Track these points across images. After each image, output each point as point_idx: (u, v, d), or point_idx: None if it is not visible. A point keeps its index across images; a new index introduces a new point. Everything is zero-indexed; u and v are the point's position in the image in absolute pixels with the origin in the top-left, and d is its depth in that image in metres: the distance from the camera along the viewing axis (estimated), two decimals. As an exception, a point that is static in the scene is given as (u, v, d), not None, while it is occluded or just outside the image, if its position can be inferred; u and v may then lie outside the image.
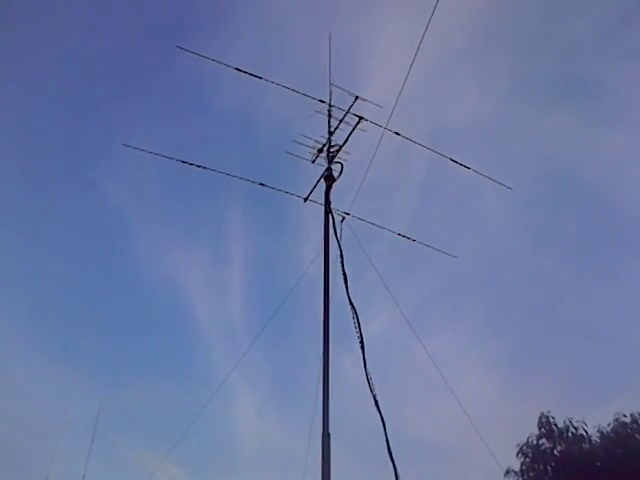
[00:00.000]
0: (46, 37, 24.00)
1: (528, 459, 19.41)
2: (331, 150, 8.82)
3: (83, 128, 24.97)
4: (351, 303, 7.35)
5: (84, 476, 10.45)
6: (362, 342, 7.06)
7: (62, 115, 25.35)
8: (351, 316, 7.31)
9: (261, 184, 8.75)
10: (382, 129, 8.60)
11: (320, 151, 8.86)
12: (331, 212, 8.29)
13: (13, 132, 23.27)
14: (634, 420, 18.89)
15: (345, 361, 9.23)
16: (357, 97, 8.83)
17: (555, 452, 19.26)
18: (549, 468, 19.06)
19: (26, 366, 21.88)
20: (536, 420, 19.83)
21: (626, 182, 29.23)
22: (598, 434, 19.38)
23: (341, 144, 8.81)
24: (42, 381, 21.55)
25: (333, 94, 9.06)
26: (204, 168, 8.58)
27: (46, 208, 25.42)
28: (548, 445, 19.44)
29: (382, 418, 6.54)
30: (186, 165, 8.54)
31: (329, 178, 8.62)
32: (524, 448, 19.57)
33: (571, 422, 19.53)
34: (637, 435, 18.61)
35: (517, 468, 19.44)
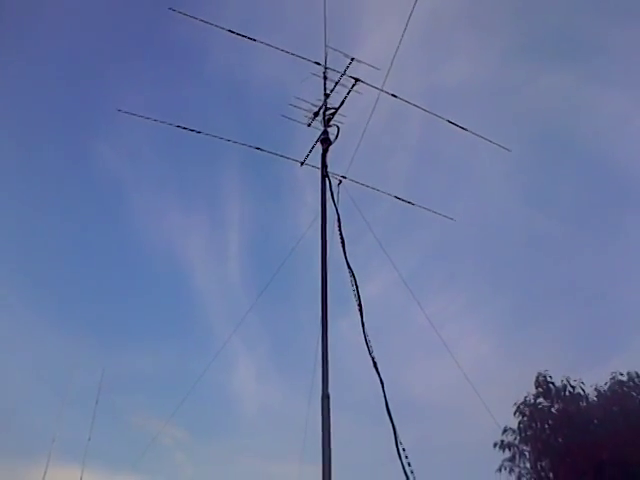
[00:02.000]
0: (37, 4, 23.57)
1: (526, 417, 19.66)
2: (327, 113, 8.75)
3: (76, 95, 24.76)
4: (349, 266, 7.38)
5: (89, 439, 10.65)
6: (360, 305, 7.11)
7: (55, 82, 25.04)
8: (349, 279, 7.35)
9: (257, 148, 8.69)
10: (378, 91, 8.52)
11: (316, 114, 8.78)
12: (327, 176, 8.25)
13: (6, 102, 23.04)
14: (630, 378, 19.10)
15: (343, 324, 9.30)
16: (353, 59, 8.72)
17: (552, 410, 19.52)
18: (546, 426, 19.34)
19: (28, 333, 22.10)
20: (533, 380, 20.08)
21: (624, 142, 29.09)
22: (595, 393, 19.62)
23: (337, 107, 8.73)
24: (45, 347, 21.78)
25: (328, 56, 8.96)
26: (199, 133, 8.52)
27: (42, 176, 25.37)
28: (545, 404, 19.68)
29: (381, 379, 6.62)
30: (181, 130, 8.48)
31: (325, 141, 8.56)
32: (522, 407, 19.82)
33: (568, 381, 19.74)
34: (633, 393, 18.84)
35: (515, 426, 19.77)
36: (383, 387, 6.57)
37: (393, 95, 8.61)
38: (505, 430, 19.50)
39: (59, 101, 25.17)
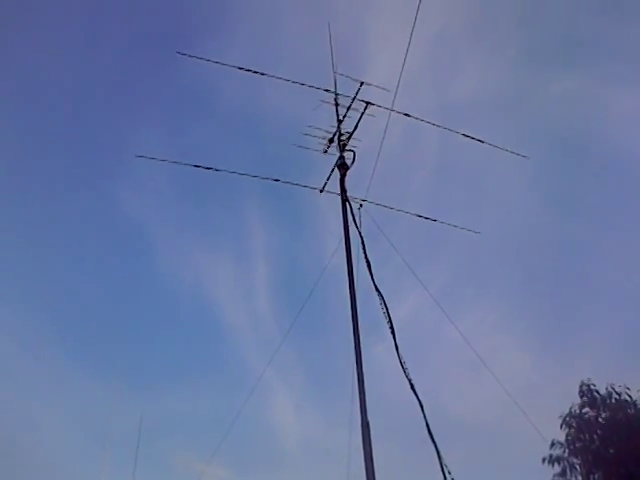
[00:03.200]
0: (48, 54, 24.33)
1: (573, 429, 19.17)
2: (342, 138, 8.77)
3: (94, 143, 25.28)
4: (377, 289, 7.29)
5: (133, 485, 10.57)
6: (392, 327, 7.01)
7: (72, 132, 25.64)
8: (379, 303, 7.26)
9: (275, 180, 8.72)
10: (391, 112, 8.53)
11: (331, 141, 8.80)
12: (348, 200, 8.23)
13: (26, 152, 23.68)
14: (678, 380, 18.58)
15: (379, 349, 9.18)
16: (362, 83, 8.75)
17: (600, 420, 19.01)
18: (595, 437, 18.82)
19: (65, 382, 22.28)
20: (577, 390, 19.60)
21: (641, 140, 28.65)
22: (643, 398, 19.09)
23: (351, 131, 8.75)
24: (82, 395, 21.91)
25: (338, 82, 9.03)
26: (217, 170, 8.58)
27: (67, 225, 25.80)
28: (592, 413, 19.18)
29: (420, 401, 6.49)
30: (199, 169, 8.55)
31: (342, 167, 8.56)
32: (568, 419, 19.33)
33: (613, 388, 19.24)
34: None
35: (563, 439, 19.25)
36: (423, 409, 6.45)
37: (405, 114, 8.63)
38: (553, 444, 19.01)
39: (77, 151, 25.76)
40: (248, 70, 8.62)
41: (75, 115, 25.39)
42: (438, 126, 8.84)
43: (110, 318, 24.96)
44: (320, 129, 8.84)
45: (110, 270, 26.59)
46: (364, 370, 6.86)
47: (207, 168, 8.56)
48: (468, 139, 8.83)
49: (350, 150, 8.65)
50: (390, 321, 7.03)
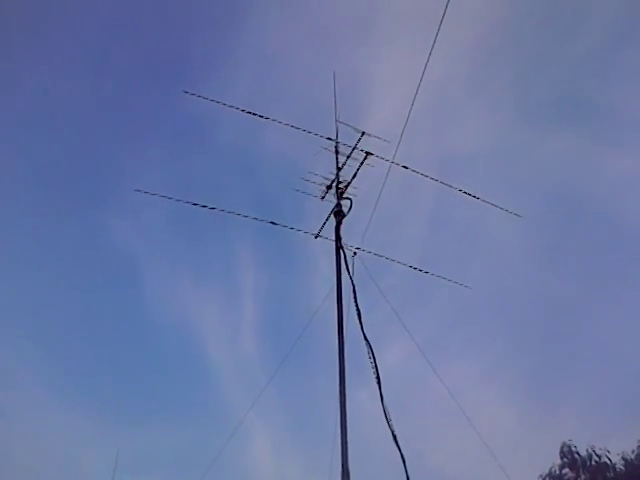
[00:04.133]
0: (51, 84, 24.65)
1: (552, 490, 19.04)
2: (340, 186, 8.88)
3: (90, 171, 25.41)
4: (366, 339, 7.31)
5: (104, 526, 10.25)
6: (378, 378, 7.03)
7: (71, 161, 25.76)
8: (366, 351, 7.29)
9: (271, 222, 8.80)
10: (389, 162, 8.69)
11: (329, 187, 8.92)
12: (342, 248, 8.31)
13: (23, 179, 23.75)
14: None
15: (362, 394, 9.15)
16: (363, 133, 8.91)
17: (579, 482, 18.88)
18: (574, 499, 18.67)
19: (41, 413, 21.85)
20: (558, 449, 19.50)
21: (635, 203, 29.12)
22: (622, 461, 19.00)
23: (349, 180, 8.89)
24: (57, 427, 21.46)
25: (339, 130, 9.20)
26: (213, 209, 8.66)
27: (57, 254, 25.70)
28: (571, 475, 19.05)
29: (401, 454, 6.48)
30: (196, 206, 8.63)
31: (339, 214, 8.66)
32: (547, 479, 19.19)
33: (594, 450, 19.16)
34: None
35: (541, 500, 19.05)
36: (404, 462, 6.43)
37: (404, 167, 8.78)
38: (531, 504, 18.84)
39: (74, 181, 25.88)
40: (253, 114, 8.78)
41: (72, 143, 25.53)
42: (435, 180, 9.02)
43: (90, 348, 24.63)
44: (318, 175, 8.97)
45: (96, 301, 26.35)
46: (347, 418, 6.85)
47: (204, 206, 8.65)
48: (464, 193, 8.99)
49: (347, 198, 8.77)
50: (377, 372, 7.06)
